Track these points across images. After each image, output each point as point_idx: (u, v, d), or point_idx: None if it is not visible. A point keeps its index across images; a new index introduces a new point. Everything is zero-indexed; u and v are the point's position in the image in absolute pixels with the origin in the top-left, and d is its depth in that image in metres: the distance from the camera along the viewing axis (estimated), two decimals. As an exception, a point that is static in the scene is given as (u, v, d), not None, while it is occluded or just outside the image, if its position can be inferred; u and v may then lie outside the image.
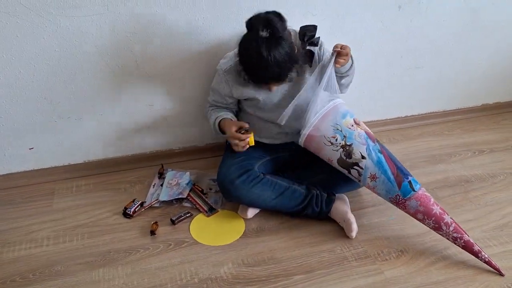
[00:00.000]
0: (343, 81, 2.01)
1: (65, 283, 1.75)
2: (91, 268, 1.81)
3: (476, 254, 1.82)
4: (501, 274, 1.79)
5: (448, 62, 2.71)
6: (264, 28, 1.68)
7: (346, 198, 2.09)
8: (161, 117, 2.33)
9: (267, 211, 2.07)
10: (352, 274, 1.78)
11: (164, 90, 2.24)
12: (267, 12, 1.77)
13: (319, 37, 1.90)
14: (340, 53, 1.84)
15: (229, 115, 2.05)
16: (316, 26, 1.89)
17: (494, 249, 1.90)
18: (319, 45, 1.96)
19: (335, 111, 1.90)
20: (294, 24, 1.87)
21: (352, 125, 1.90)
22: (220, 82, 2.00)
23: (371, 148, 1.87)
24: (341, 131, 1.87)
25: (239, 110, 2.16)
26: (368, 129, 1.95)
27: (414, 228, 1.99)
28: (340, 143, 1.87)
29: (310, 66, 1.96)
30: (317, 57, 1.96)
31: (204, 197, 2.17)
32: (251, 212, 2.05)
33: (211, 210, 2.12)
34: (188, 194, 2.17)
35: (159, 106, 2.28)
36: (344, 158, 1.87)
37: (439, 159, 2.52)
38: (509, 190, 2.26)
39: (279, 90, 1.98)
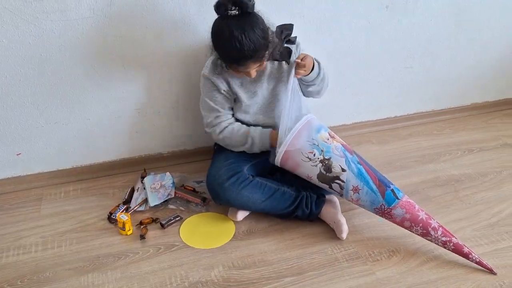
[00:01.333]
0: (310, 89, 2.00)
1: (53, 290, 1.73)
2: (80, 274, 1.79)
3: (466, 256, 1.81)
4: (493, 273, 1.79)
5: (436, 62, 2.72)
6: (232, 6, 1.67)
7: (336, 199, 2.09)
8: (149, 121, 2.31)
9: (257, 214, 2.05)
10: (343, 275, 1.78)
11: (152, 94, 2.23)
12: None
13: (296, 36, 1.91)
14: (298, 64, 1.84)
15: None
16: (293, 24, 1.89)
17: (485, 247, 1.90)
18: (296, 44, 1.97)
19: (309, 126, 1.89)
20: (281, 25, 1.86)
21: (328, 139, 1.89)
22: (208, 86, 1.98)
23: (350, 160, 1.86)
24: (317, 145, 1.86)
25: None
26: (343, 141, 1.94)
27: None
28: (318, 158, 1.85)
29: (288, 64, 1.97)
30: (294, 57, 1.96)
31: (195, 189, 2.20)
32: (241, 215, 2.04)
33: (204, 200, 2.12)
34: (176, 192, 2.16)
35: (147, 110, 2.27)
36: (324, 172, 1.86)
37: (429, 159, 2.52)
38: (499, 189, 2.27)
39: (261, 93, 2.00)
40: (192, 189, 2.21)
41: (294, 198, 1.99)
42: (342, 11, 2.31)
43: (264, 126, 2.05)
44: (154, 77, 2.18)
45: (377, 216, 1.97)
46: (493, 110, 3.05)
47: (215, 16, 2.07)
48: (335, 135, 1.94)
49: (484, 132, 2.80)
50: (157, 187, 2.16)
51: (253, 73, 1.86)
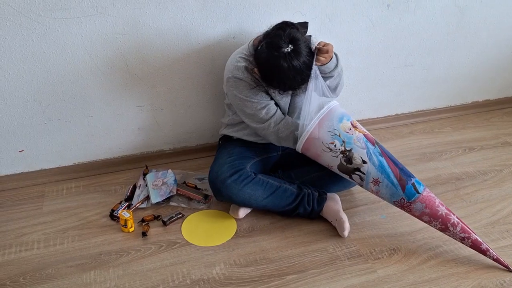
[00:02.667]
0: (328, 82, 1.97)
1: (56, 286, 1.73)
2: (82, 271, 1.80)
3: (484, 252, 1.82)
4: (510, 271, 1.80)
5: (437, 60, 2.72)
6: (288, 45, 1.70)
7: (338, 197, 2.09)
8: (151, 118, 2.32)
9: (259, 211, 2.06)
10: (345, 273, 1.78)
11: (154, 92, 2.23)
12: (281, 28, 1.76)
13: (310, 35, 1.90)
14: (320, 50, 1.81)
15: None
16: (308, 22, 1.89)
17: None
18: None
19: (331, 115, 1.86)
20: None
21: (350, 129, 1.86)
22: (246, 85, 1.90)
23: (371, 152, 1.85)
24: (339, 136, 1.84)
25: (230, 110, 2.15)
26: (366, 131, 1.92)
27: (406, 226, 2.00)
28: (339, 149, 1.84)
29: None
30: None
31: (197, 186, 2.22)
32: (243, 212, 2.04)
33: (206, 197, 2.14)
34: (178, 190, 2.17)
35: (149, 107, 2.27)
36: (345, 164, 1.85)
37: (430, 157, 2.53)
38: (499, 187, 2.27)
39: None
40: (194, 186, 2.22)
41: (296, 196, 1.99)
42: (343, 9, 2.31)
43: None
44: (156, 74, 2.19)
45: (379, 214, 1.97)
46: (494, 108, 3.05)
47: (219, 13, 2.09)
48: (357, 124, 1.92)
49: (485, 131, 2.80)
50: (159, 184, 2.16)
51: None
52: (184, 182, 2.24)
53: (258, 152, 2.12)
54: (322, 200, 2.01)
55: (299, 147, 1.89)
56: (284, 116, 1.97)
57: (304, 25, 1.92)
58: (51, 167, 2.31)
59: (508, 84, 3.03)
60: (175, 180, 2.21)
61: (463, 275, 1.77)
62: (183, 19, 2.07)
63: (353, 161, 1.83)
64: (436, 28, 2.57)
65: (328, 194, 2.06)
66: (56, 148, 2.25)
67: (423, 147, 2.63)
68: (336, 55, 1.92)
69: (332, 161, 1.87)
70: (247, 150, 2.10)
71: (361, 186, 1.91)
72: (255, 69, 1.81)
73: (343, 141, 1.84)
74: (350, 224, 1.97)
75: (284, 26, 1.76)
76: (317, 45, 1.82)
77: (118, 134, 2.31)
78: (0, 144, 2.16)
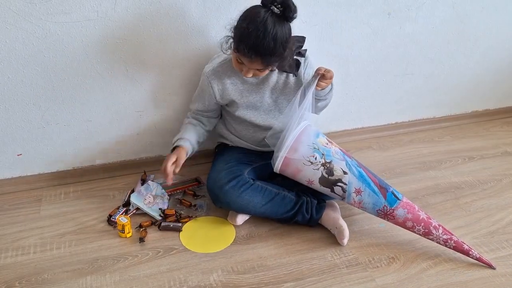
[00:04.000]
0: (319, 104, 2.00)
1: (52, 291, 1.73)
2: (79, 276, 1.78)
3: (467, 252, 1.85)
4: (492, 268, 1.83)
5: (438, 69, 2.72)
6: (279, 5, 1.66)
7: (337, 204, 2.09)
8: (150, 124, 2.31)
9: (257, 218, 2.05)
10: (343, 281, 1.77)
11: (154, 96, 2.23)
12: None
13: (306, 50, 1.91)
14: (324, 76, 1.83)
15: (193, 139, 2.06)
16: (305, 37, 1.89)
17: (485, 255, 1.89)
18: (305, 57, 1.97)
19: (308, 131, 1.89)
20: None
21: (327, 143, 1.91)
22: (204, 86, 2.01)
23: (350, 164, 1.88)
24: (318, 149, 1.87)
25: (222, 118, 2.18)
26: (340, 147, 1.95)
27: (405, 235, 1.98)
28: (320, 161, 1.86)
29: (296, 76, 1.98)
30: (302, 69, 1.97)
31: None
32: (241, 219, 2.03)
33: (198, 181, 2.28)
34: (168, 191, 2.21)
35: (148, 112, 2.27)
36: (326, 176, 1.86)
37: (430, 166, 2.52)
38: (499, 197, 2.27)
39: (263, 98, 2.00)
40: (192, 193, 2.23)
41: (295, 203, 1.98)
42: (344, 17, 2.31)
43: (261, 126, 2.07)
44: (156, 80, 2.18)
45: (378, 222, 1.97)
46: (494, 118, 3.06)
47: (218, 20, 2.09)
48: (332, 141, 1.96)
49: (484, 140, 2.80)
50: (151, 201, 2.14)
51: (249, 73, 1.83)
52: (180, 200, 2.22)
53: (255, 159, 2.11)
54: (321, 207, 2.00)
55: (278, 164, 1.89)
56: (197, 125, 2.11)
57: (300, 39, 1.92)
58: (49, 172, 2.29)
59: (508, 94, 3.03)
60: (161, 186, 2.20)
61: (462, 285, 1.76)
62: (183, 25, 2.06)
63: (334, 173, 1.86)
64: (436, 36, 2.57)
65: (327, 201, 2.05)
66: (55, 152, 2.24)
67: (422, 155, 2.63)
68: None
69: (313, 175, 1.87)
70: (245, 156, 2.10)
71: (343, 199, 1.91)
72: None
73: (323, 154, 1.86)
74: (349, 232, 1.96)
75: None
76: (318, 70, 1.84)
77: (116, 139, 2.30)
78: (-2, 147, 2.15)
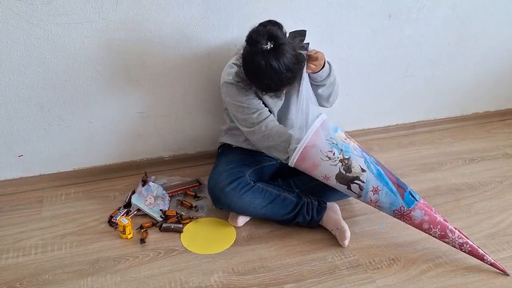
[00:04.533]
0: (320, 91, 1.97)
1: (53, 292, 1.73)
2: (80, 277, 1.78)
3: (481, 257, 1.83)
4: (506, 274, 1.82)
5: (438, 71, 2.72)
6: (268, 41, 1.67)
7: (337, 206, 2.09)
8: (151, 125, 2.31)
9: (258, 219, 2.05)
10: (343, 283, 1.77)
11: (155, 98, 2.23)
12: (263, 25, 1.78)
13: (308, 43, 1.90)
14: (310, 56, 1.81)
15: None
16: (306, 30, 1.88)
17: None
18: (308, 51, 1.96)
19: (326, 125, 1.85)
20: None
21: (346, 139, 1.86)
22: (238, 90, 1.90)
23: (368, 161, 1.84)
24: (337, 144, 1.82)
25: (228, 117, 2.15)
26: (358, 143, 1.92)
27: (406, 236, 1.99)
28: (338, 157, 1.81)
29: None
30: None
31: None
32: (242, 220, 2.03)
33: (199, 182, 2.26)
34: (169, 193, 2.20)
35: (149, 113, 2.27)
36: (344, 172, 1.82)
37: (430, 168, 2.52)
38: (500, 199, 2.27)
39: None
40: (193, 194, 2.23)
41: (295, 205, 1.98)
42: (345, 19, 2.32)
43: None
44: (157, 81, 2.19)
45: (378, 224, 1.96)
46: (495, 120, 3.05)
47: (220, 21, 2.10)
48: (350, 136, 1.92)
49: (485, 142, 2.80)
50: (152, 202, 2.14)
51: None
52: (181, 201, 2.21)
53: (257, 161, 2.11)
54: (321, 209, 2.01)
55: (294, 158, 1.83)
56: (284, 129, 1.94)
57: (302, 32, 1.90)
58: (51, 173, 2.30)
59: (509, 96, 3.03)
60: (162, 187, 2.20)
61: (463, 287, 1.76)
62: (185, 26, 2.07)
63: (352, 170, 1.81)
64: (437, 38, 2.57)
65: (327, 203, 2.05)
66: (56, 153, 2.24)
67: (423, 157, 2.63)
68: (329, 64, 1.93)
69: (331, 171, 1.82)
70: (247, 158, 2.09)
71: (359, 197, 1.88)
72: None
73: (341, 150, 1.82)
74: (350, 233, 1.96)
75: (266, 23, 1.79)
76: (308, 52, 1.83)
77: (118, 140, 2.31)
78: (-1, 148, 2.16)
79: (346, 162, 1.81)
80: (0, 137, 2.12)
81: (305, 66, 1.81)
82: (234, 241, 1.97)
